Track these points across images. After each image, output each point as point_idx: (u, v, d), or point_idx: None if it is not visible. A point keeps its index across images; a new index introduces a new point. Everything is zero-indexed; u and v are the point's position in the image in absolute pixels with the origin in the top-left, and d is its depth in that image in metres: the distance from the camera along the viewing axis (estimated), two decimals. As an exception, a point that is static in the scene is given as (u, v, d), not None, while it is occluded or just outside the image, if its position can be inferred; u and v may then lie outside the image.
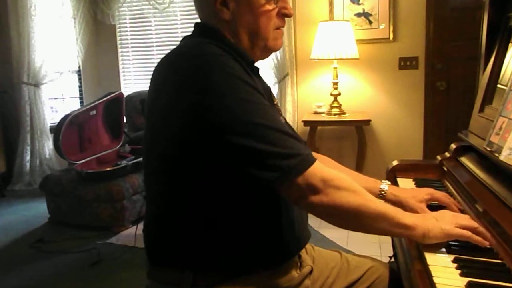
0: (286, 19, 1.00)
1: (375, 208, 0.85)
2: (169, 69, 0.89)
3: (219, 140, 0.82)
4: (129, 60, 4.49)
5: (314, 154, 1.25)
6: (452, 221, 0.88)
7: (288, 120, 3.81)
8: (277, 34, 0.98)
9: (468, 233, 0.84)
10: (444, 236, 0.86)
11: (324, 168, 0.86)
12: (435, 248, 0.86)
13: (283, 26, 0.99)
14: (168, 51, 0.95)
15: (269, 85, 1.06)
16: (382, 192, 1.15)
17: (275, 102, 1.07)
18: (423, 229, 0.86)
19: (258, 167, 0.82)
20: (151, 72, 0.94)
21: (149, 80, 0.95)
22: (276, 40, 0.98)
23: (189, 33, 1.01)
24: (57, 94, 4.61)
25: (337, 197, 0.84)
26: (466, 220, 0.90)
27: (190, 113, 0.83)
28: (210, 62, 0.84)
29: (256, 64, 1.00)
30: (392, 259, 1.19)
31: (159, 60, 0.94)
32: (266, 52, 0.99)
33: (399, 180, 1.36)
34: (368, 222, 0.86)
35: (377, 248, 2.10)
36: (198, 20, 1.01)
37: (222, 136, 0.82)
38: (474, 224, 0.89)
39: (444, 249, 0.86)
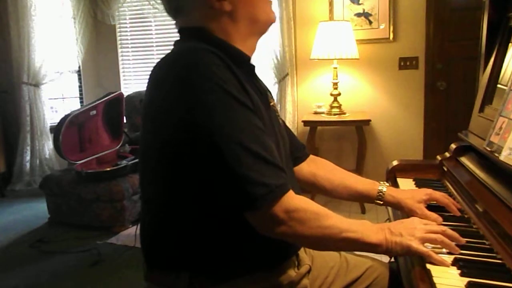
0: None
1: (339, 234, 0.85)
2: (161, 78, 0.88)
3: (201, 153, 0.82)
4: (129, 60, 4.49)
5: (313, 158, 1.25)
6: (418, 234, 0.86)
7: (288, 120, 3.80)
8: (269, 4, 1.01)
9: (428, 252, 0.83)
10: (405, 253, 0.86)
11: (291, 198, 0.84)
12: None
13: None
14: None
15: (268, 85, 1.06)
16: (381, 194, 1.15)
17: (272, 104, 1.06)
18: (387, 246, 0.86)
19: (226, 186, 0.82)
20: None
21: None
22: (272, 12, 1.01)
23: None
24: (57, 94, 4.61)
25: (299, 230, 0.84)
26: (435, 226, 0.90)
27: (180, 125, 0.83)
28: (201, 74, 0.83)
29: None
30: (392, 259, 1.19)
31: (159, 60, 0.94)
32: (266, 24, 1.01)
33: (399, 180, 1.36)
34: (333, 246, 0.89)
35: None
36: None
37: (202, 150, 0.81)
38: (442, 227, 0.89)
39: (444, 250, 0.86)
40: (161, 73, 0.89)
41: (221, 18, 0.94)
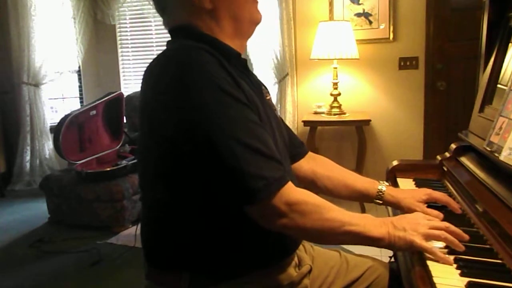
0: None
1: (340, 227, 0.85)
2: (155, 79, 0.88)
3: (200, 151, 0.82)
4: (129, 60, 4.49)
5: (312, 155, 1.25)
6: (421, 230, 0.86)
7: (288, 120, 3.80)
8: (255, 4, 1.00)
9: (431, 249, 0.83)
10: (408, 248, 0.86)
11: (291, 190, 0.84)
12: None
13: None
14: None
15: (268, 85, 1.05)
16: (380, 193, 1.14)
17: (268, 98, 1.06)
18: (390, 240, 0.86)
19: (224, 182, 0.82)
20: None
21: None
22: (257, 8, 1.00)
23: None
24: (57, 94, 4.61)
25: (301, 223, 0.84)
26: (438, 221, 0.90)
27: (176, 124, 0.83)
28: (194, 72, 0.83)
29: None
30: (392, 259, 1.19)
31: (151, 61, 0.94)
32: (252, 25, 1.00)
33: (399, 180, 1.36)
34: (334, 239, 0.88)
35: (377, 248, 2.08)
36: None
37: (201, 148, 0.82)
38: (446, 223, 0.89)
39: (445, 249, 0.86)
40: (154, 74, 0.89)
41: (203, 15, 0.94)
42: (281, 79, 3.69)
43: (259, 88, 1.02)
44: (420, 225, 0.87)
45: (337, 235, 0.86)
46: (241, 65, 0.99)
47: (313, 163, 1.23)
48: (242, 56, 1.01)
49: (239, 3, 0.96)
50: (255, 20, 1.00)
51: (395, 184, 1.33)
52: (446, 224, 0.88)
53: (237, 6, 0.96)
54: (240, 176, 0.80)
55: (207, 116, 0.81)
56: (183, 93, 0.82)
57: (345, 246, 2.27)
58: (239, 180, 0.80)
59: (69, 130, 3.24)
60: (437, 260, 0.82)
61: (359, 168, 3.34)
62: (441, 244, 0.86)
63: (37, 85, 4.17)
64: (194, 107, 0.81)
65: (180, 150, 0.84)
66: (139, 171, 0.99)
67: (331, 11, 3.56)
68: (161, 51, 0.94)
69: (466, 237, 0.87)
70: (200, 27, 0.95)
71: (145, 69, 0.93)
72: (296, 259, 1.01)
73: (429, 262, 0.82)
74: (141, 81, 0.92)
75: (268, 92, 1.09)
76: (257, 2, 1.00)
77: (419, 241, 0.84)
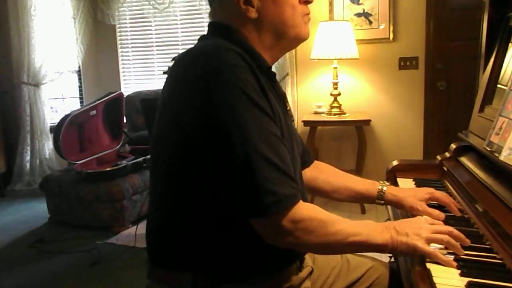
0: None
1: (346, 239, 0.85)
2: (182, 74, 0.87)
3: (216, 155, 0.81)
4: (129, 60, 4.49)
5: (315, 163, 1.25)
6: (424, 234, 0.86)
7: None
8: (306, 19, 0.97)
9: (434, 252, 0.82)
10: (411, 252, 0.85)
11: (299, 209, 0.83)
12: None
13: (309, 13, 0.97)
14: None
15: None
16: (381, 193, 1.14)
17: (288, 108, 1.05)
18: (393, 246, 0.86)
19: (235, 190, 0.81)
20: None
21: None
22: (306, 25, 0.97)
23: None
24: (57, 94, 4.62)
25: (306, 240, 0.83)
26: (441, 226, 0.90)
27: (195, 123, 0.82)
28: (221, 75, 0.81)
29: None
30: (392, 259, 1.19)
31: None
32: (295, 42, 0.98)
33: (399, 180, 1.36)
34: (340, 251, 0.93)
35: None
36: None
37: (217, 152, 0.81)
38: (449, 228, 0.88)
39: (445, 250, 0.86)
40: (182, 68, 0.88)
41: (246, 23, 0.93)
42: (281, 79, 3.68)
43: (283, 100, 1.01)
44: (423, 229, 0.87)
45: (342, 247, 0.87)
46: (270, 77, 0.97)
47: (314, 170, 1.23)
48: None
49: (285, 19, 0.93)
50: (300, 38, 0.97)
51: (395, 184, 1.33)
52: (449, 228, 0.88)
53: (283, 22, 0.93)
54: (251, 187, 0.79)
55: (226, 119, 0.79)
56: (206, 94, 0.81)
57: (345, 246, 2.28)
58: (249, 191, 0.79)
59: (69, 130, 3.24)
60: (440, 263, 0.81)
61: (359, 168, 3.34)
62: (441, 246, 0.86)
63: (37, 85, 4.17)
64: (214, 109, 0.80)
65: (195, 150, 0.83)
66: (150, 167, 0.98)
67: (331, 11, 3.56)
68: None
69: (468, 241, 0.86)
70: (239, 32, 0.93)
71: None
72: (297, 261, 1.01)
73: (429, 262, 0.82)
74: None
75: (288, 102, 1.08)
76: (308, 18, 0.97)
77: (422, 245, 0.84)
